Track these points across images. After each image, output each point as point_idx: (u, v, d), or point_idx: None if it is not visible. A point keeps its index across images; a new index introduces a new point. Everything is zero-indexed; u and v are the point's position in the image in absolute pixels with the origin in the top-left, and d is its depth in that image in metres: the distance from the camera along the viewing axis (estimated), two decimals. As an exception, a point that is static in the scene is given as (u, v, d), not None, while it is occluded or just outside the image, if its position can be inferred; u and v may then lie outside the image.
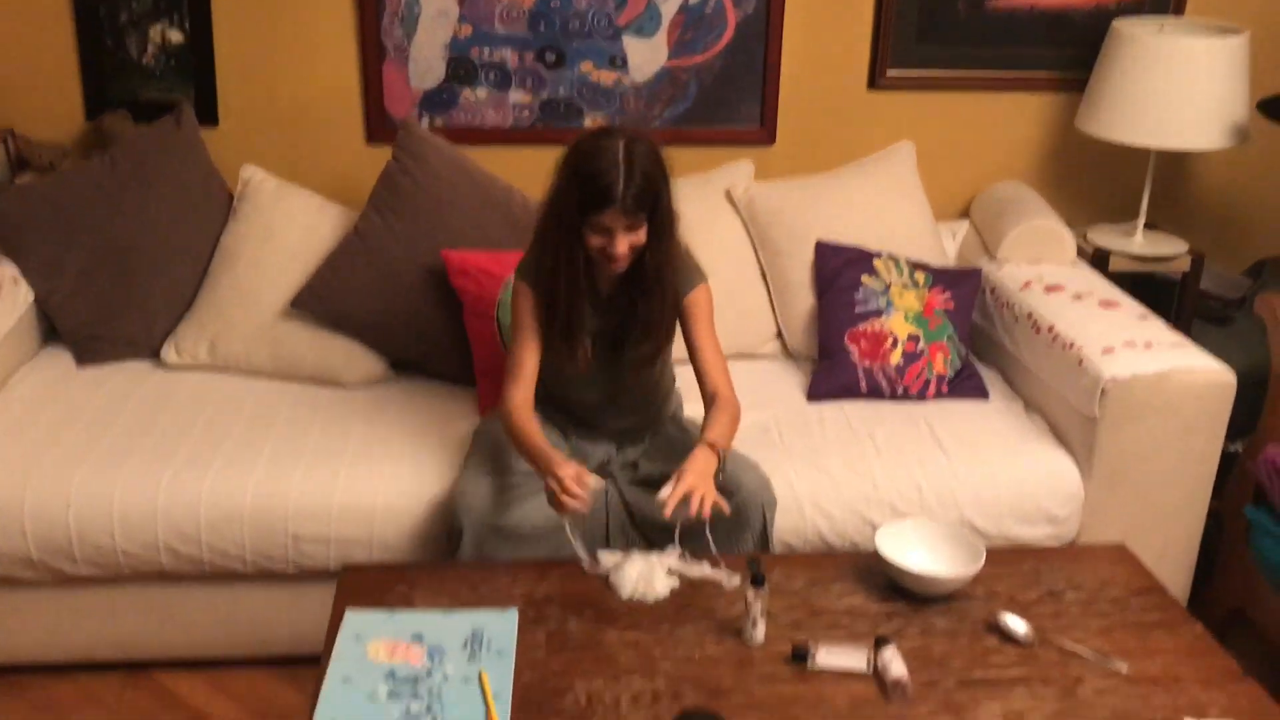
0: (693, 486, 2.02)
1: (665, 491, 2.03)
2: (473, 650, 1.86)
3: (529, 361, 2.30)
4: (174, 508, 2.43)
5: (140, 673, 2.61)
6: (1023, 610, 2.01)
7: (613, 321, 2.31)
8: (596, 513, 2.35)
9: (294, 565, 2.48)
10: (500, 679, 1.80)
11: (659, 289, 2.24)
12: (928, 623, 1.99)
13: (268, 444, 2.59)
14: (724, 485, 2.23)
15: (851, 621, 1.98)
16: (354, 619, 1.93)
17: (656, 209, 2.15)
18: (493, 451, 2.38)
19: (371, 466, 2.52)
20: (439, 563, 2.35)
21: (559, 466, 2.07)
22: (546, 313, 2.26)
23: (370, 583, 2.04)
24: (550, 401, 2.45)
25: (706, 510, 2.03)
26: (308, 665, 1.77)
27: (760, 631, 1.91)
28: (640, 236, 2.16)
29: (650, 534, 2.34)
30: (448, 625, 1.92)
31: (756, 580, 1.89)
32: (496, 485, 2.28)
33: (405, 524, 2.47)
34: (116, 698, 2.55)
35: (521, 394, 2.29)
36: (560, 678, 1.82)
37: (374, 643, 1.87)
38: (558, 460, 2.10)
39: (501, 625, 1.92)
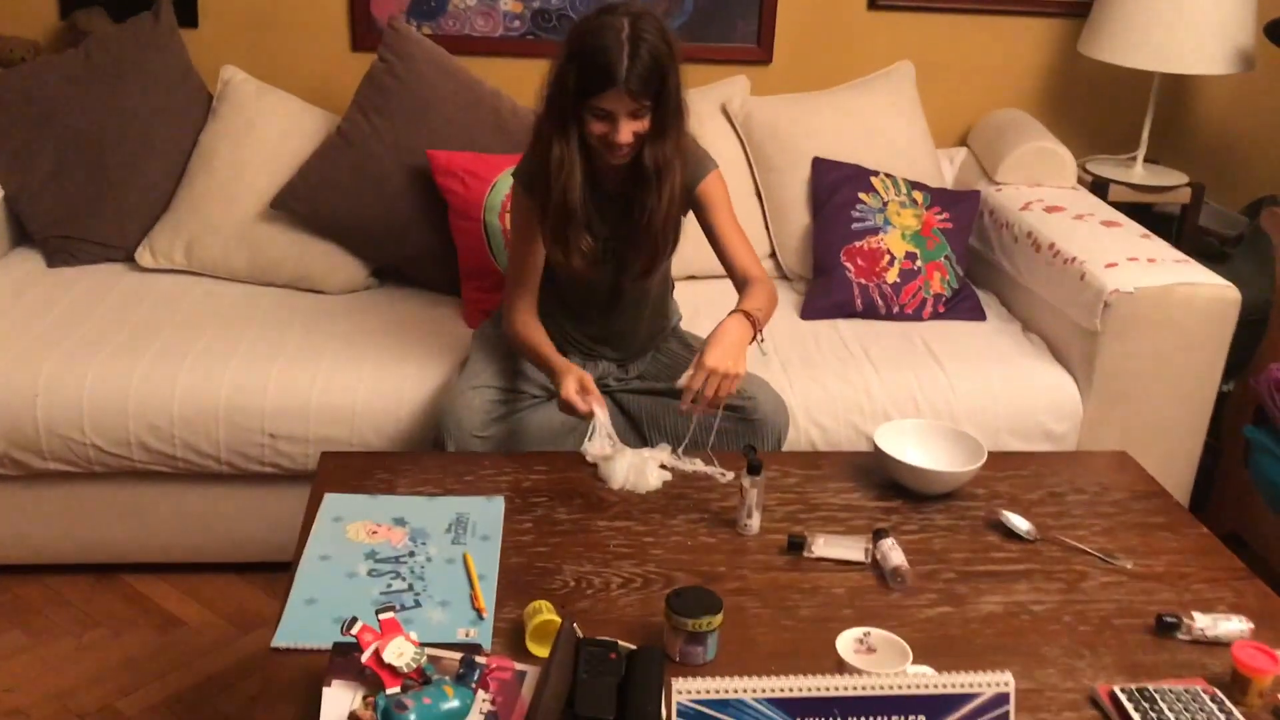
0: (715, 367, 1.90)
1: (686, 377, 1.92)
2: (457, 534, 1.78)
3: (530, 269, 2.19)
4: (146, 401, 2.35)
5: (109, 575, 2.53)
6: (1024, 510, 1.96)
7: (614, 222, 2.18)
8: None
9: (271, 465, 2.40)
10: (485, 561, 1.72)
11: (663, 185, 2.07)
12: (927, 519, 1.92)
13: (244, 342, 2.50)
14: (740, 404, 2.17)
15: (849, 516, 1.92)
16: (333, 501, 1.85)
17: (663, 93, 1.98)
18: (486, 364, 2.27)
19: (352, 367, 2.44)
20: (423, 452, 2.27)
21: (560, 378, 2.03)
22: (543, 211, 2.11)
23: (351, 469, 1.96)
24: (546, 321, 2.31)
25: (731, 389, 1.92)
26: (284, 572, 1.69)
27: (756, 522, 1.85)
28: (645, 123, 2.00)
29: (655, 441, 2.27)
30: (431, 510, 1.84)
31: (752, 469, 1.82)
32: (484, 399, 2.18)
33: (387, 425, 2.39)
34: (85, 600, 2.47)
35: (525, 302, 2.20)
36: (548, 560, 1.75)
37: (354, 524, 1.79)
38: (559, 370, 2.06)
39: (487, 511, 1.85)
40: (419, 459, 2.04)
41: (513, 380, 2.24)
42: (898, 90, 3.19)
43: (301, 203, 2.81)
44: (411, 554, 1.73)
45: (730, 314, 2.01)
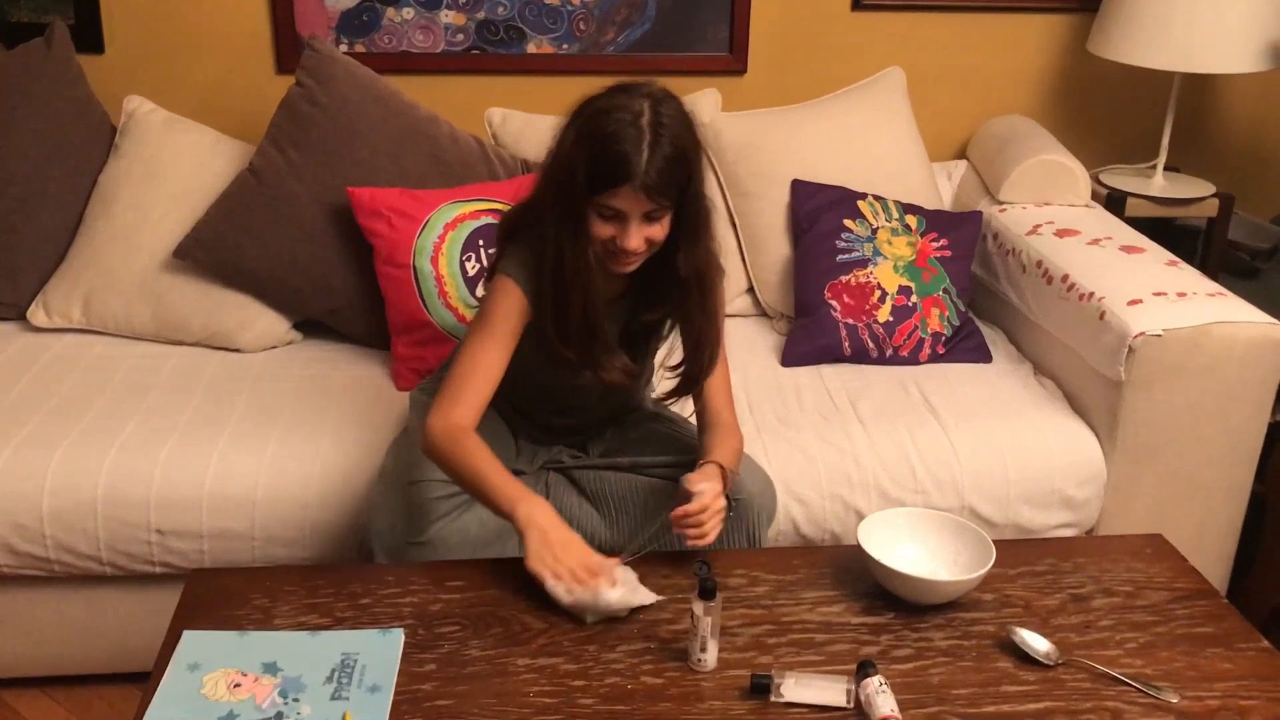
0: (709, 505, 1.66)
1: (688, 505, 1.66)
2: (340, 683, 1.44)
3: (487, 377, 1.75)
4: (11, 495, 2.01)
5: (-16, 692, 2.20)
6: (1041, 622, 1.61)
7: (611, 330, 1.83)
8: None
9: (161, 564, 2.07)
10: (372, 722, 1.39)
11: (701, 297, 1.76)
12: (924, 639, 1.58)
13: (135, 417, 2.17)
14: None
15: (828, 640, 1.57)
16: (192, 642, 1.51)
17: (686, 193, 1.66)
18: (418, 452, 1.86)
19: (254, 446, 2.10)
20: (312, 566, 1.93)
21: (531, 522, 1.61)
22: (559, 328, 1.74)
23: (222, 593, 1.62)
24: (504, 400, 1.93)
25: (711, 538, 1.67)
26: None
27: (712, 655, 1.50)
28: (661, 229, 1.67)
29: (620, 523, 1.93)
30: (312, 650, 1.50)
31: (705, 592, 1.47)
32: (424, 497, 1.81)
33: (293, 514, 2.05)
34: (-46, 723, 2.14)
35: (470, 412, 1.73)
36: (450, 717, 1.41)
37: (214, 674, 1.45)
38: (524, 516, 1.62)
39: (381, 649, 1.50)
40: (307, 575, 1.69)
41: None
42: (887, 100, 2.84)
43: (208, 251, 2.47)
44: (279, 716, 1.39)
45: (712, 463, 1.74)
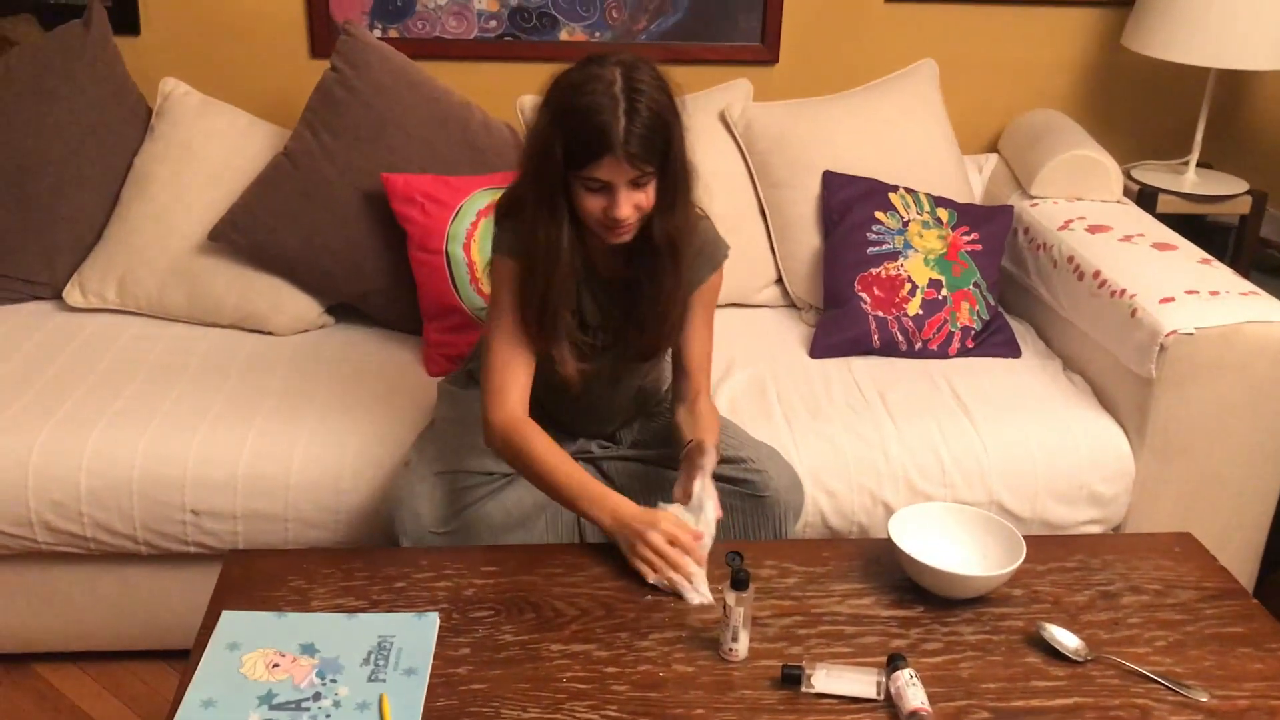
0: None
1: (681, 490, 1.73)
2: (376, 665, 1.46)
3: (524, 355, 1.78)
4: (49, 474, 2.04)
5: (19, 666, 2.23)
6: (1071, 618, 1.62)
7: (611, 308, 1.85)
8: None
9: (195, 544, 2.09)
10: (408, 705, 1.40)
11: (679, 262, 1.76)
12: (953, 632, 1.59)
13: (169, 399, 2.19)
14: (748, 478, 1.89)
15: (858, 632, 1.58)
16: (231, 622, 1.53)
17: (668, 156, 1.66)
18: (445, 441, 1.91)
19: (287, 429, 2.12)
20: (348, 550, 1.95)
21: (633, 526, 1.66)
22: (529, 305, 1.76)
23: (259, 574, 1.64)
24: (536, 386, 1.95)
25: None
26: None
27: (743, 645, 1.52)
28: (648, 195, 1.67)
29: None
30: (349, 632, 1.52)
31: (737, 583, 1.48)
32: (447, 488, 1.83)
33: (326, 498, 2.07)
34: (-9, 695, 2.17)
35: (519, 394, 1.77)
36: (484, 701, 1.43)
37: (252, 654, 1.48)
38: (623, 513, 1.69)
39: (416, 633, 1.52)
40: (342, 558, 1.71)
41: (477, 459, 1.88)
42: (919, 92, 2.84)
43: (242, 234, 2.49)
44: (317, 696, 1.41)
45: (702, 441, 1.80)
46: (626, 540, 1.66)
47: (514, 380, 1.77)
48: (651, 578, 1.64)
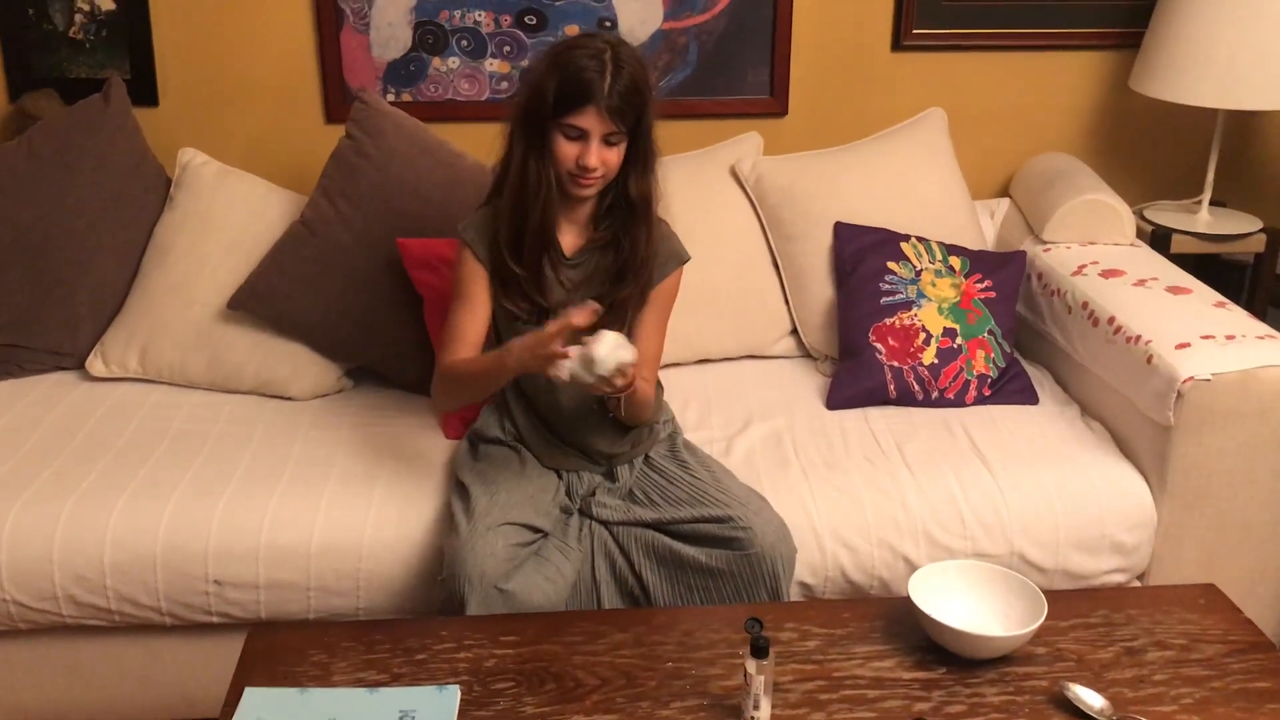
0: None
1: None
2: (399, 742, 1.47)
3: (471, 334, 1.99)
4: (73, 547, 2.06)
5: (47, 739, 2.24)
6: (1095, 676, 1.61)
7: (576, 289, 2.01)
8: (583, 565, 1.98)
9: (219, 615, 2.10)
10: (431, 781, 1.41)
11: (645, 219, 1.97)
12: (977, 694, 1.58)
13: (191, 469, 2.21)
14: (734, 535, 1.92)
15: (880, 696, 1.58)
16: (254, 700, 1.54)
17: (641, 124, 1.90)
18: (493, 495, 1.97)
19: (308, 496, 2.14)
20: (369, 621, 1.96)
21: (525, 338, 1.80)
22: (512, 240, 1.96)
23: (280, 649, 1.65)
24: (529, 412, 2.10)
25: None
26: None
27: (764, 713, 1.51)
28: (617, 155, 1.91)
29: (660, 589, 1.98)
30: (371, 707, 1.53)
31: (757, 650, 1.49)
32: (508, 542, 1.88)
33: (346, 566, 2.08)
34: (19, 769, 2.18)
35: (458, 358, 1.98)
36: (507, 779, 1.43)
37: (275, 732, 1.49)
38: (508, 348, 1.85)
39: (438, 707, 1.53)
40: (364, 630, 1.72)
41: (519, 512, 1.94)
42: (928, 141, 2.85)
43: (261, 302, 2.52)
44: (340, 775, 1.42)
45: None
46: (533, 359, 1.77)
47: (456, 349, 1.97)
48: (565, 368, 1.72)
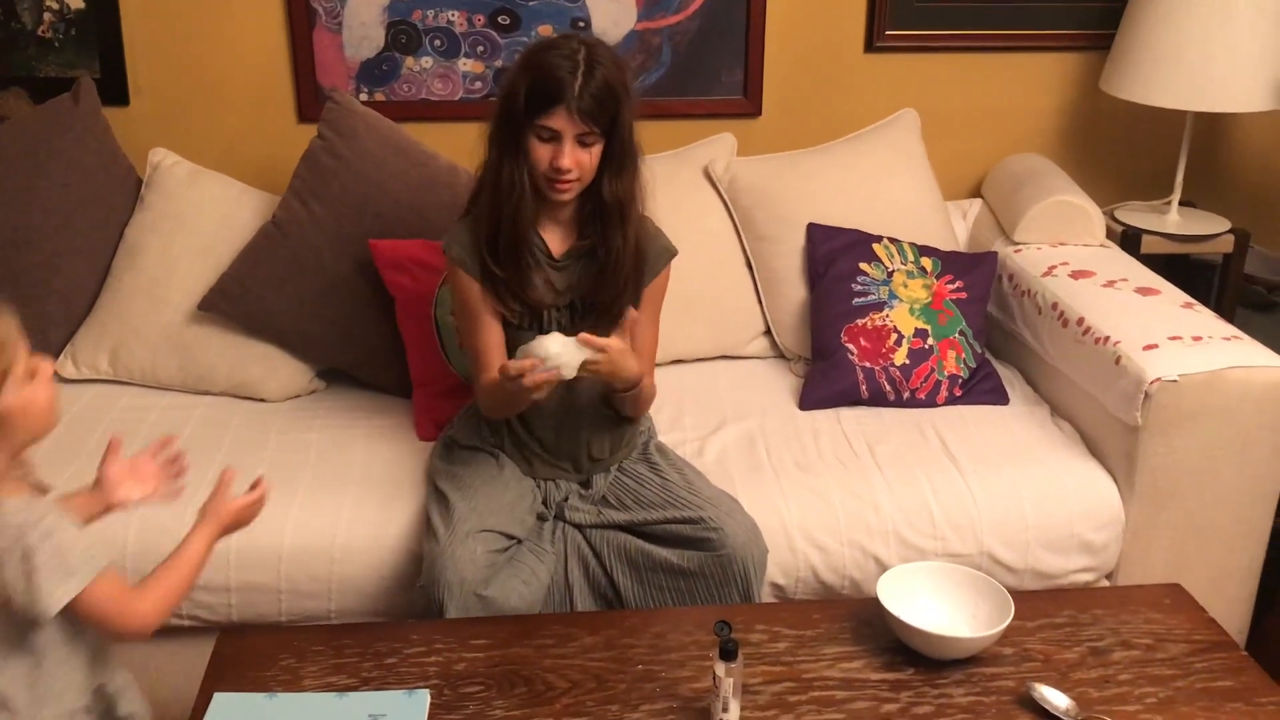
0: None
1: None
2: (368, 746, 1.47)
3: (490, 347, 2.00)
4: (42, 553, 2.04)
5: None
6: (1061, 677, 1.62)
7: (567, 292, 2.01)
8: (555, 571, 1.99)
9: (189, 617, 2.10)
10: (400, 785, 1.41)
11: (628, 221, 1.96)
12: (944, 695, 1.59)
13: (161, 472, 2.20)
14: (705, 536, 1.92)
15: (849, 697, 1.59)
16: (223, 704, 1.54)
17: (617, 124, 1.89)
18: (470, 501, 1.97)
19: (280, 499, 2.10)
20: (338, 625, 1.96)
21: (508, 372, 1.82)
22: (490, 241, 1.95)
23: (250, 653, 1.65)
24: (511, 420, 2.09)
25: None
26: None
27: (733, 715, 1.52)
28: (592, 156, 1.89)
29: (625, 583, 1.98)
30: (340, 712, 1.53)
31: (726, 653, 1.49)
32: (486, 547, 1.89)
33: (318, 568, 2.07)
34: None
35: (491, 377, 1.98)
36: (476, 782, 1.44)
37: (244, 738, 1.48)
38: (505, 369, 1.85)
39: (407, 711, 1.53)
40: (333, 634, 1.72)
41: (496, 519, 1.94)
42: (901, 142, 2.87)
43: (232, 303, 2.51)
44: (309, 780, 1.42)
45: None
46: (524, 395, 1.81)
47: (489, 365, 1.99)
48: (537, 380, 1.77)
